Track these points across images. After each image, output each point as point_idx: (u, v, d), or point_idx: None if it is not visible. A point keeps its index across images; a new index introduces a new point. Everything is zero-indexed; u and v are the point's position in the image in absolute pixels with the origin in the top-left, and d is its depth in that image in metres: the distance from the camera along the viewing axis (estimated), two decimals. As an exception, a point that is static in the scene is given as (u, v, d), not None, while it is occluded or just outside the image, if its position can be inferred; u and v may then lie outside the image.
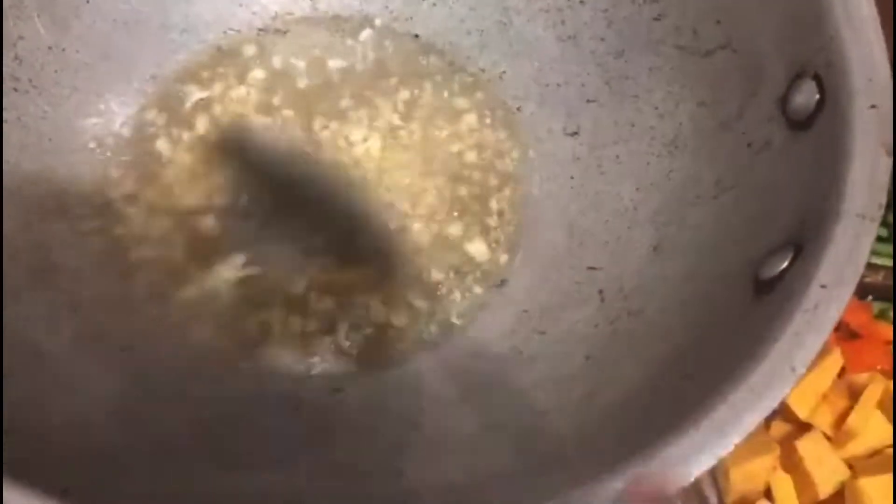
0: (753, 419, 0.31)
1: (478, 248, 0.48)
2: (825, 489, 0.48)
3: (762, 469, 0.49)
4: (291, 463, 0.40)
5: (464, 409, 0.42)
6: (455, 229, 0.49)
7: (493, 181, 0.51)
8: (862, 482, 0.48)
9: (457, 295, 0.47)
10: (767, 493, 0.49)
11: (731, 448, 0.30)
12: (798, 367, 0.31)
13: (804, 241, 0.35)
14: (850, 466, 0.49)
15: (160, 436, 0.39)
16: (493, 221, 0.49)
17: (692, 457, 0.30)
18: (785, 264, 0.35)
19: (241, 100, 0.51)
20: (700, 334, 0.38)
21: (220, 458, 0.39)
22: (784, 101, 0.40)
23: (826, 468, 0.48)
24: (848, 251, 0.33)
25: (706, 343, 0.37)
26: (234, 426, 0.41)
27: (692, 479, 0.30)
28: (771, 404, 0.31)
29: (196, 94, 0.51)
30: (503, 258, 0.49)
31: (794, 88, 0.39)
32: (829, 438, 0.49)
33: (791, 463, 0.49)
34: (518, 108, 0.52)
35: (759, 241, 0.38)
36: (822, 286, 0.32)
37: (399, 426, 0.41)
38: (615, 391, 0.39)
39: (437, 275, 0.48)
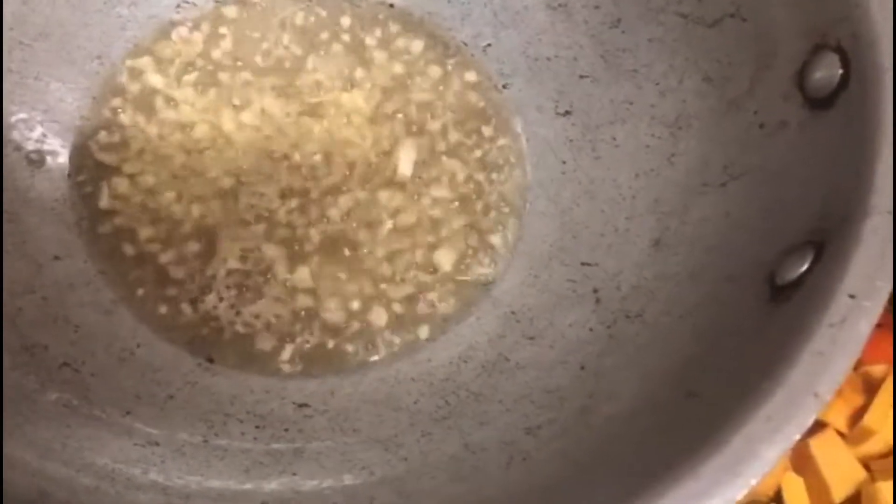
0: (771, 455, 0.27)
1: (458, 244, 0.44)
2: (840, 492, 0.45)
3: (772, 470, 0.46)
4: (254, 484, 0.37)
5: (446, 426, 0.38)
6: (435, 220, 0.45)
7: (478, 169, 0.46)
8: (880, 485, 0.44)
9: (434, 296, 0.43)
10: (778, 497, 0.46)
11: (745, 490, 0.26)
12: (822, 394, 0.27)
13: (826, 239, 0.31)
14: (867, 467, 0.46)
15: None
16: (477, 211, 0.45)
17: (701, 500, 0.26)
18: (805, 267, 0.31)
19: (200, 80, 0.47)
20: (707, 344, 0.34)
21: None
22: (801, 75, 0.36)
23: (840, 469, 0.45)
24: (879, 254, 0.29)
25: (714, 355, 0.33)
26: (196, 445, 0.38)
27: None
28: (791, 436, 0.27)
29: (149, 76, 0.46)
30: (488, 253, 0.45)
31: (812, 62, 0.35)
32: (843, 437, 0.46)
33: (803, 464, 0.46)
34: (504, 86, 0.48)
35: (773, 238, 0.34)
36: (851, 296, 0.28)
37: (373, 448, 0.38)
38: (612, 407, 0.35)
39: (409, 275, 0.44)
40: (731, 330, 0.34)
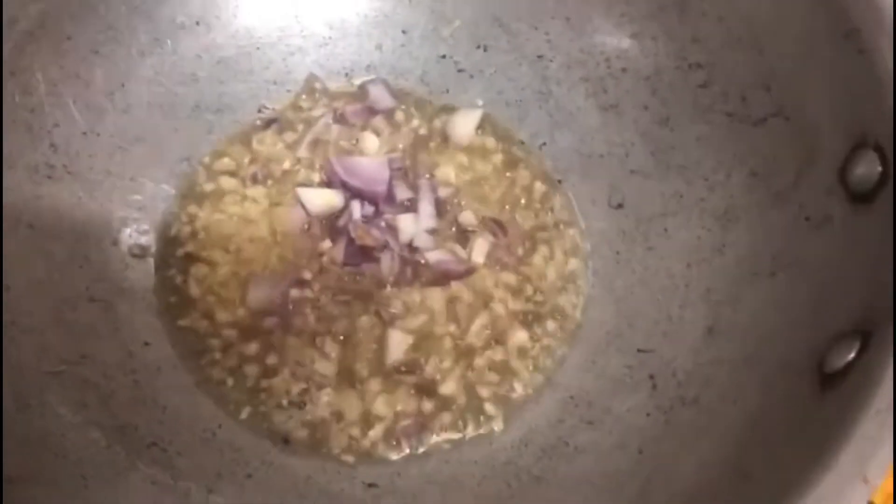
0: (823, 537, 0.28)
1: (520, 335, 0.46)
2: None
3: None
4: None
5: (508, 508, 0.39)
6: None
7: (536, 258, 0.48)
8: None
9: (496, 381, 0.45)
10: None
11: (799, 571, 0.27)
12: (872, 478, 0.28)
13: (872, 328, 0.32)
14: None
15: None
16: (536, 303, 0.47)
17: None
18: (852, 355, 0.32)
19: (284, 176, 0.50)
20: (760, 429, 0.35)
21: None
22: (843, 171, 0.37)
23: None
24: (923, 343, 0.30)
25: (767, 440, 0.34)
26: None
27: None
28: (842, 520, 0.28)
29: (225, 178, 0.50)
30: (546, 340, 0.46)
31: (853, 159, 0.37)
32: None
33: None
34: (559, 181, 0.50)
35: (821, 327, 0.35)
36: (897, 383, 0.30)
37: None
38: (670, 490, 0.36)
39: (478, 362, 0.46)
40: (783, 415, 0.34)
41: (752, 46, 0.43)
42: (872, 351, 0.31)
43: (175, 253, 0.48)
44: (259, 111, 0.52)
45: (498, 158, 0.51)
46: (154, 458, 0.40)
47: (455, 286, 0.47)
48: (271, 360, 0.45)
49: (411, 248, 0.48)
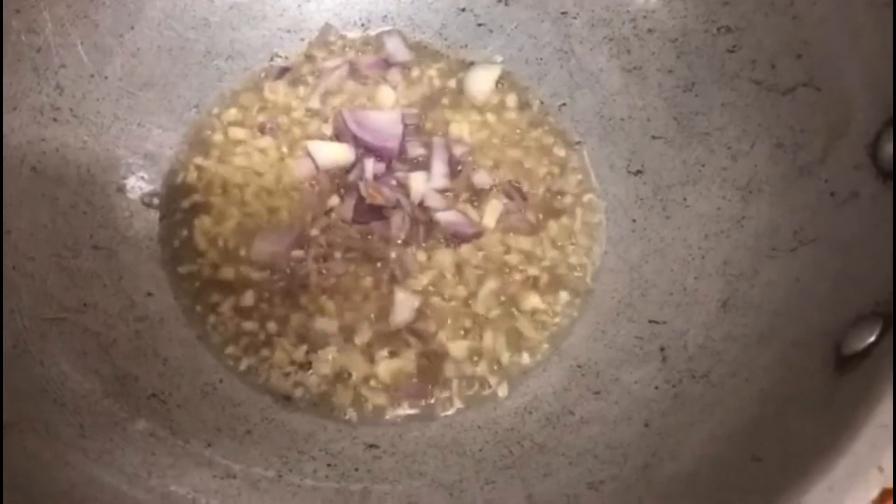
0: (832, 525, 0.27)
1: (532, 300, 0.45)
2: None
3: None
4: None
5: (510, 475, 0.39)
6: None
7: (549, 223, 0.47)
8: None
9: (503, 346, 0.44)
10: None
11: (806, 559, 0.27)
12: (886, 468, 0.27)
13: (895, 311, 0.31)
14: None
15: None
16: (547, 269, 0.46)
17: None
18: (872, 338, 0.31)
19: (294, 127, 0.49)
20: (772, 409, 0.34)
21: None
22: (874, 147, 0.36)
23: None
24: (948, 330, 0.29)
25: (779, 420, 0.33)
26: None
27: None
28: (853, 508, 0.27)
29: (235, 127, 0.49)
30: (556, 307, 0.45)
31: (885, 133, 0.35)
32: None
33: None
34: (578, 143, 0.49)
35: (842, 307, 0.34)
36: (919, 370, 0.28)
37: (438, 492, 0.38)
38: (675, 466, 0.35)
39: (486, 327, 0.45)
40: (797, 396, 0.33)
41: (784, 11, 0.41)
42: (894, 334, 0.30)
43: (181, 202, 0.47)
44: (271, 59, 0.51)
45: (514, 117, 0.50)
46: (153, 410, 0.40)
47: (465, 248, 0.46)
48: (275, 316, 0.44)
49: (422, 207, 0.46)
